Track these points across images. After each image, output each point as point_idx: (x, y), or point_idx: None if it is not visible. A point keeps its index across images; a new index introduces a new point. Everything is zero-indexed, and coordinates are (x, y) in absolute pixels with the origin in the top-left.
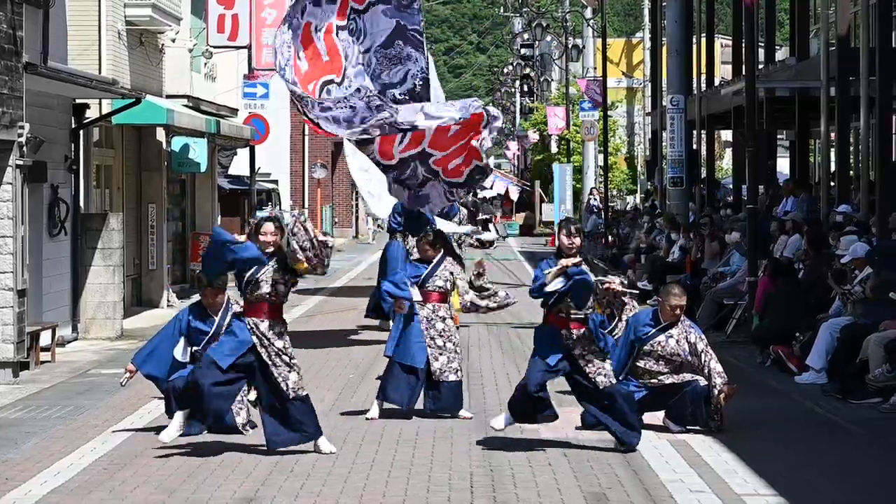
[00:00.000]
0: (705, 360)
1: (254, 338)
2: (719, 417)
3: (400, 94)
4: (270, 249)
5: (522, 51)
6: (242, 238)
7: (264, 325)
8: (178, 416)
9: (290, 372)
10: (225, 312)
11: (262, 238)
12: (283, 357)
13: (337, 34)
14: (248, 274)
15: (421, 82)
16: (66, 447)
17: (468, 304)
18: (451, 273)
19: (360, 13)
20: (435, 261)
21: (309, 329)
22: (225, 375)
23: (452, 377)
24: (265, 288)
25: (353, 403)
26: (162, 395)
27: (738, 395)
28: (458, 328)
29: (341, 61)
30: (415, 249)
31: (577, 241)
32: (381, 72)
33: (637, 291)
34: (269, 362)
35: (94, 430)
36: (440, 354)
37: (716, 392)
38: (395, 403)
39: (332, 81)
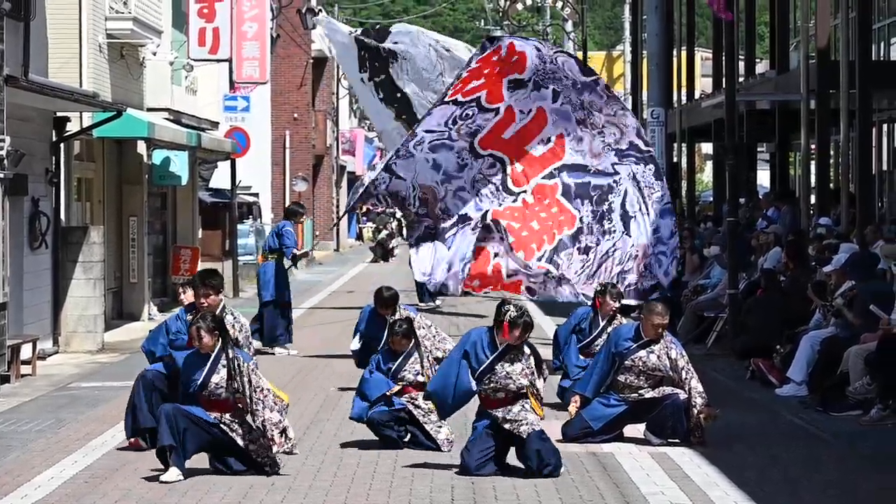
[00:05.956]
0: (686, 378)
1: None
2: (700, 433)
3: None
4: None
5: None
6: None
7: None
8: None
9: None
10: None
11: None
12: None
13: None
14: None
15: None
16: (46, 460)
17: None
18: (422, 366)
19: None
20: (405, 352)
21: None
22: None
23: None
24: (223, 393)
25: (335, 415)
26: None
27: (718, 409)
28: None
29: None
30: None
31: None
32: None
33: None
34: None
35: (75, 443)
36: (423, 416)
37: (695, 412)
38: None
39: None
